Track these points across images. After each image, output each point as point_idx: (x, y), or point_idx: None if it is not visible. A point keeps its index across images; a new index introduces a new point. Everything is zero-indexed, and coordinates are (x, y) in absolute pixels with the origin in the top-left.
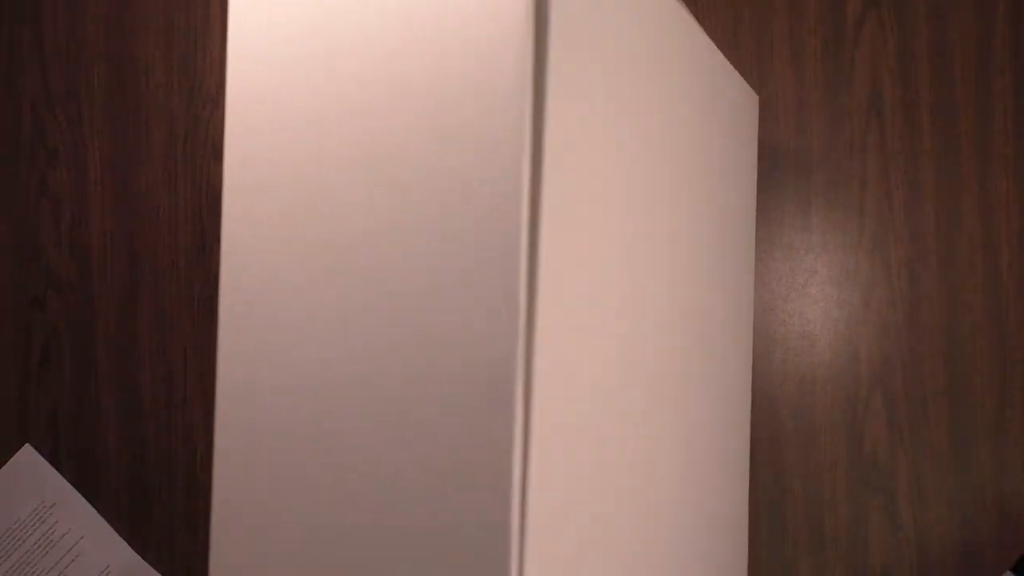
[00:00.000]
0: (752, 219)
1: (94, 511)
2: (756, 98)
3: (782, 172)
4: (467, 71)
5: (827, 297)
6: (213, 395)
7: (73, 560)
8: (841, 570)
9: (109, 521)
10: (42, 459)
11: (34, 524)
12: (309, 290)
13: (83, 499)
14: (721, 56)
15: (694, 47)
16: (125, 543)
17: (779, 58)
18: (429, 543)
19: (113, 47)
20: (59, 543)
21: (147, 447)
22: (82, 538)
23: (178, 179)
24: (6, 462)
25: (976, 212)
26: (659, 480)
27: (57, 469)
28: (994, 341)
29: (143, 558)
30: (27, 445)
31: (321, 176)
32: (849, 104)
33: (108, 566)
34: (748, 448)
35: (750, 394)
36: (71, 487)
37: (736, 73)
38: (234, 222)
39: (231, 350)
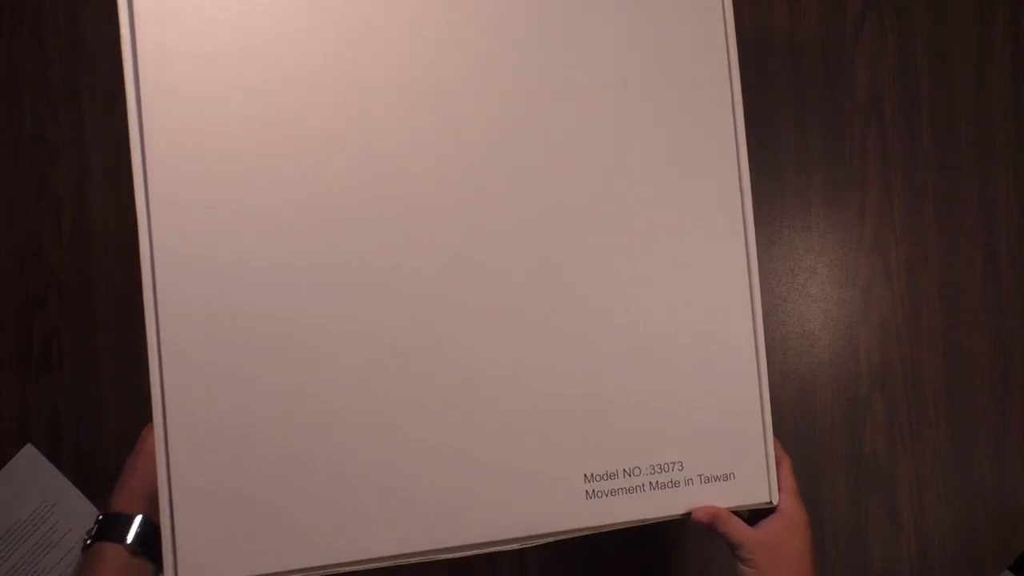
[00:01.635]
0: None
1: (95, 511)
2: None
3: (782, 172)
4: None
5: (827, 297)
6: None
7: (74, 560)
8: (841, 570)
9: None
10: (43, 459)
11: (35, 524)
12: None
13: (84, 499)
14: None
15: None
16: None
17: (779, 58)
18: None
19: (114, 47)
20: (60, 543)
21: None
22: None
23: None
24: (7, 462)
25: (976, 212)
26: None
27: (58, 469)
28: (994, 340)
29: None
30: (28, 445)
31: None
32: (849, 104)
33: None
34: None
35: None
36: (72, 487)
37: None
38: None
39: None
